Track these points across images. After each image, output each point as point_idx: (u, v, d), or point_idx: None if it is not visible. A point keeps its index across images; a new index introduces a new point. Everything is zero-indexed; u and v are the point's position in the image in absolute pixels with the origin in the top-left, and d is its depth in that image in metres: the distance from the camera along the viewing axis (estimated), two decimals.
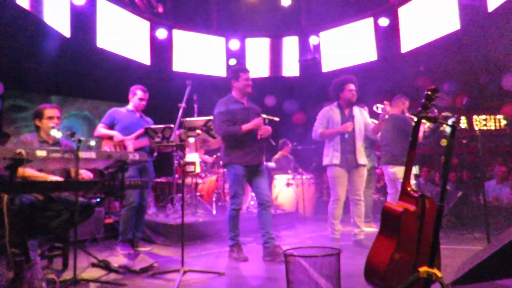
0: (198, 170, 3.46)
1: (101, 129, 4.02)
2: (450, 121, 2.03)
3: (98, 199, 3.61)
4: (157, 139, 2.94)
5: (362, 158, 4.20)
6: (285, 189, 6.42)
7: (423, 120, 5.10)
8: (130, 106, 4.20)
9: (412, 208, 2.05)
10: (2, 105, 5.77)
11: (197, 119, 3.15)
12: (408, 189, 2.11)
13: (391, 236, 2.02)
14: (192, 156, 3.50)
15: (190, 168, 2.93)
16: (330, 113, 4.28)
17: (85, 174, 3.42)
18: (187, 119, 3.03)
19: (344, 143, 4.16)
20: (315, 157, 7.90)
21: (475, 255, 2.51)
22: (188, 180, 5.57)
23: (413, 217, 2.04)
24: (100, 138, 4.06)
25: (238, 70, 3.76)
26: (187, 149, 4.96)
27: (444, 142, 1.82)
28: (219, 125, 3.54)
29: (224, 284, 2.88)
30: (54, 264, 3.39)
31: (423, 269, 1.62)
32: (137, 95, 4.15)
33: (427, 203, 2.07)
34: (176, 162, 5.58)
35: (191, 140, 3.24)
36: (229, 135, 3.55)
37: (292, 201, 6.37)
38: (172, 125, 3.10)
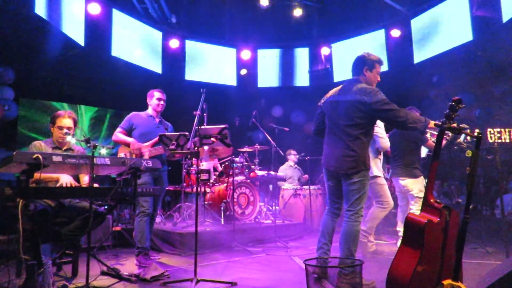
0: (212, 178, 3.46)
1: (118, 134, 3.97)
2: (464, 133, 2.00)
3: (105, 207, 3.60)
4: (172, 147, 2.93)
5: (373, 170, 4.27)
6: (292, 200, 6.37)
7: (432, 132, 5.05)
8: (149, 111, 4.15)
9: (435, 219, 2.00)
10: (17, 110, 5.85)
11: (212, 127, 3.13)
12: (431, 200, 2.06)
13: (415, 248, 1.97)
14: (207, 164, 3.49)
15: (204, 176, 2.88)
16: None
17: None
18: (202, 127, 3.02)
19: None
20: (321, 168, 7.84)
21: (496, 269, 2.44)
22: None
23: (437, 229, 1.98)
24: (117, 143, 4.02)
25: (375, 61, 3.18)
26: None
27: (469, 154, 1.77)
28: (401, 109, 2.89)
29: None
30: (62, 272, 3.35)
31: (447, 282, 1.57)
32: (154, 96, 4.12)
33: (450, 215, 2.01)
34: (184, 170, 5.55)
35: (206, 148, 3.22)
36: (418, 121, 2.83)
37: (300, 212, 6.31)
38: (186, 133, 3.09)
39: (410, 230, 2.03)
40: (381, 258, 4.09)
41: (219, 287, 2.99)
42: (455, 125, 2.09)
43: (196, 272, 2.93)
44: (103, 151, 2.78)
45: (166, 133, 3.27)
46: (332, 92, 3.31)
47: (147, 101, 4.20)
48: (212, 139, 2.99)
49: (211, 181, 5.05)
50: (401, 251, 2.05)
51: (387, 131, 4.57)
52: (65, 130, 3.37)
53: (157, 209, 4.17)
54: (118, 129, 4.01)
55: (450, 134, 3.83)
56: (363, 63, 3.19)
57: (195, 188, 5.56)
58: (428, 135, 4.96)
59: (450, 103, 2.06)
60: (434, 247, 1.97)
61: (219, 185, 5.59)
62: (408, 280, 1.86)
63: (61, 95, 6.68)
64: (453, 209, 2.04)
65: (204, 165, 3.15)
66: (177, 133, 3.06)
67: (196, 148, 2.78)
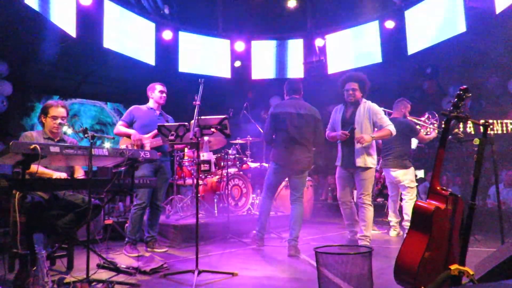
0: (213, 169, 3.43)
1: (119, 127, 3.99)
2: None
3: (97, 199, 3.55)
4: (171, 137, 2.89)
5: (360, 160, 3.95)
6: (284, 191, 6.34)
7: (423, 124, 5.01)
8: (150, 104, 4.17)
9: (443, 206, 2.01)
10: (8, 105, 5.72)
11: (212, 117, 3.09)
12: (438, 188, 2.07)
13: (423, 235, 1.98)
14: (207, 155, 3.47)
15: (205, 167, 2.85)
16: (335, 113, 4.25)
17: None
18: (202, 117, 2.98)
19: (344, 145, 4.07)
20: (315, 160, 7.86)
21: (494, 255, 2.48)
22: (189, 181, 5.49)
23: (444, 215, 2.00)
24: (119, 136, 4.03)
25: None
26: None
27: (476, 141, 1.79)
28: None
29: (242, 285, 2.83)
30: (60, 265, 3.29)
31: (454, 266, 1.57)
32: (157, 89, 4.15)
33: (456, 202, 2.03)
34: (176, 162, 5.49)
35: (206, 138, 3.21)
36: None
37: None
38: (186, 123, 3.06)
39: (418, 217, 2.04)
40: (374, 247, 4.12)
41: (220, 277, 2.98)
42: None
43: (198, 263, 2.91)
44: (107, 144, 2.76)
45: (165, 124, 3.23)
46: (285, 105, 3.99)
47: (147, 95, 4.20)
48: (212, 129, 2.96)
49: (212, 171, 5.01)
50: (409, 237, 2.06)
51: None
52: (59, 120, 3.30)
53: (161, 199, 4.15)
54: (120, 122, 4.03)
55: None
56: (301, 86, 4.09)
57: (187, 180, 5.53)
58: (418, 127, 4.99)
59: (457, 92, 2.07)
60: (442, 233, 1.99)
61: (211, 177, 5.55)
62: (416, 266, 1.88)
63: (53, 88, 6.56)
64: (459, 196, 2.06)
65: (204, 155, 3.14)
66: (177, 124, 3.02)
67: (196, 138, 2.74)
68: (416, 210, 2.06)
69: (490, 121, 7.61)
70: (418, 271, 1.86)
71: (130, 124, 4.02)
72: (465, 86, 2.08)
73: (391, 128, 3.98)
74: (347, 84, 4.10)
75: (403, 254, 2.01)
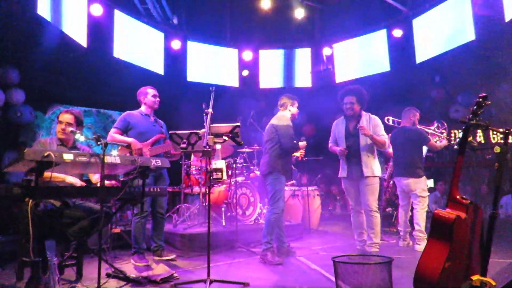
0: (225, 177, 3.40)
1: (114, 135, 3.82)
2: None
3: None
4: (183, 145, 2.88)
5: (367, 170, 4.09)
6: (291, 201, 6.28)
7: (432, 132, 4.96)
8: (143, 109, 4.05)
9: (463, 215, 1.98)
10: (34, 114, 5.80)
11: (224, 125, 3.08)
12: (458, 196, 2.03)
13: (443, 244, 1.94)
14: (220, 163, 3.45)
15: (217, 175, 2.83)
16: (337, 126, 4.35)
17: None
18: (214, 125, 2.97)
19: (350, 155, 4.19)
20: (321, 169, 7.82)
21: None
22: (196, 189, 5.45)
23: (464, 224, 1.96)
24: (114, 144, 3.93)
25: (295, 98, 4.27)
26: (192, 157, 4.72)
27: (497, 149, 1.78)
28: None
29: None
30: (65, 275, 3.26)
31: (476, 277, 1.54)
32: (149, 93, 4.03)
33: (476, 211, 1.99)
34: (184, 171, 5.46)
35: (218, 146, 3.19)
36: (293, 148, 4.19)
37: (298, 213, 6.20)
38: (198, 131, 3.05)
39: (438, 226, 2.00)
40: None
41: (231, 287, 2.94)
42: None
43: (209, 273, 2.88)
44: (114, 152, 2.73)
45: (177, 132, 3.22)
46: None
47: (139, 99, 4.08)
48: (224, 137, 2.95)
49: (224, 179, 4.96)
50: (429, 247, 2.02)
51: (387, 131, 4.49)
52: (63, 126, 3.30)
53: (164, 207, 4.09)
54: (113, 130, 3.87)
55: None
56: (283, 101, 4.20)
57: (194, 189, 5.49)
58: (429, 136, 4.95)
59: (477, 99, 2.05)
60: (462, 243, 1.95)
61: (218, 186, 5.51)
62: (437, 276, 1.83)
63: (63, 97, 6.62)
64: (479, 205, 2.02)
65: (217, 163, 3.14)
66: (188, 131, 3.02)
67: (208, 146, 2.72)
68: (436, 219, 2.02)
69: (501, 130, 7.52)
70: (439, 281, 1.82)
71: (124, 131, 3.87)
72: (484, 94, 2.06)
73: (386, 141, 4.18)
74: (345, 98, 4.25)
75: (423, 264, 1.96)
